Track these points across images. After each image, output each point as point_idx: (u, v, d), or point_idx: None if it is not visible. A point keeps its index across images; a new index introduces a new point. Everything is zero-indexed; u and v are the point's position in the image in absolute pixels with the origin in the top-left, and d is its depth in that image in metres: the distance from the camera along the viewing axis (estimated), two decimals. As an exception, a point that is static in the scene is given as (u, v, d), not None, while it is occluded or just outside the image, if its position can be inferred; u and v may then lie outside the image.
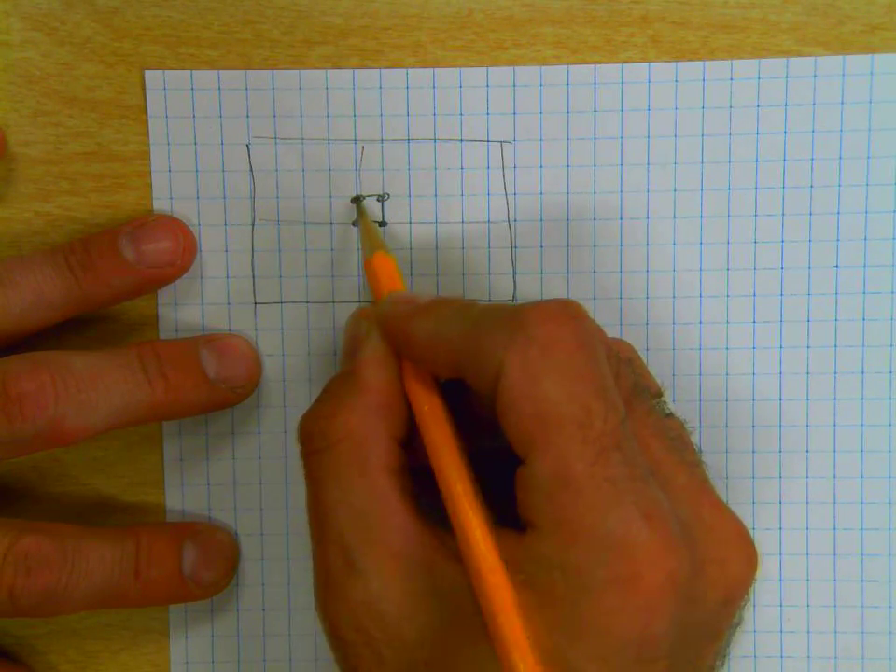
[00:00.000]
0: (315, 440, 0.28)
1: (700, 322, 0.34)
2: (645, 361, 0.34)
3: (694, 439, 0.29)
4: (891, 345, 0.34)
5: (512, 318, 0.27)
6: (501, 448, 0.27)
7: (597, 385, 0.26)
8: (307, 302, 0.34)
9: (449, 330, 0.28)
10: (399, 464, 0.28)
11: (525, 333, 0.26)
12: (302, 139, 0.34)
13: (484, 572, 0.26)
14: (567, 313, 0.27)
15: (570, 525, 0.25)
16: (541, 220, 0.34)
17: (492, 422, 0.27)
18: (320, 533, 0.28)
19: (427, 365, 0.29)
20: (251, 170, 0.34)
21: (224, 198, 0.34)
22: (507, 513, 0.27)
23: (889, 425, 0.34)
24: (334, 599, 0.27)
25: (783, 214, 0.34)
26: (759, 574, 0.28)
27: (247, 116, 0.34)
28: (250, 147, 0.34)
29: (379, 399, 0.29)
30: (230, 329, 0.34)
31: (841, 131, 0.33)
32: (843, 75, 0.33)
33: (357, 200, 0.34)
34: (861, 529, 0.35)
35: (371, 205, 0.34)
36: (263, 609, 0.35)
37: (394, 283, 0.31)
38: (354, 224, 0.34)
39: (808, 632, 0.35)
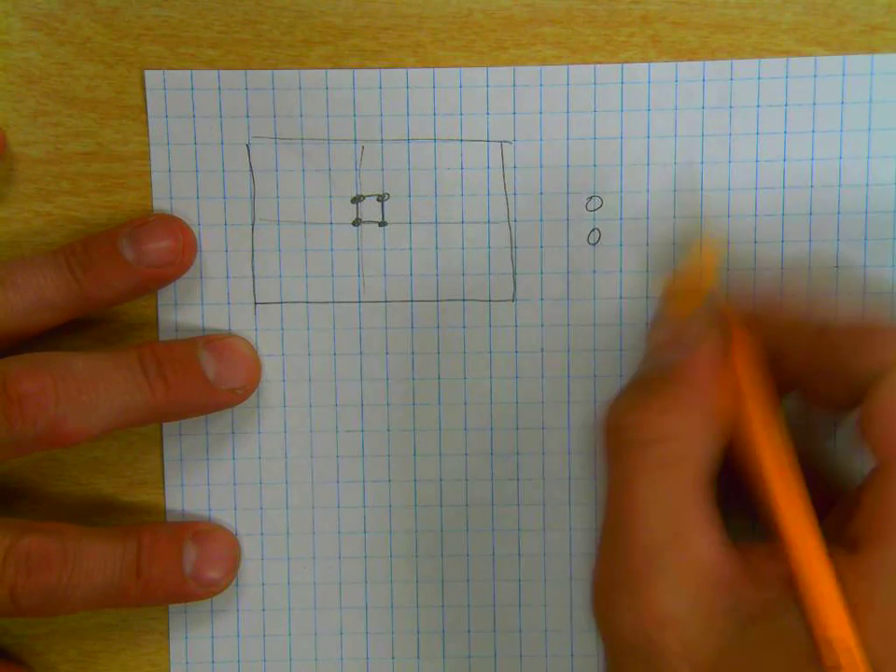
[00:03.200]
0: (635, 430, 0.27)
1: (700, 322, 0.34)
2: (646, 361, 0.34)
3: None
4: (891, 345, 0.34)
5: None
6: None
7: None
8: (307, 302, 0.34)
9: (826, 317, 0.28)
10: (715, 474, 0.28)
11: None
12: (302, 139, 0.34)
13: (821, 605, 0.25)
14: None
15: None
16: (541, 220, 0.34)
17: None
18: (622, 529, 0.27)
19: (780, 355, 0.28)
20: (251, 170, 0.34)
21: (224, 198, 0.34)
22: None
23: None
24: (633, 603, 0.27)
25: (783, 214, 0.34)
26: None
27: (247, 116, 0.34)
28: (250, 146, 0.34)
29: (711, 402, 0.28)
30: (229, 330, 0.34)
31: (841, 131, 0.33)
32: (843, 75, 0.33)
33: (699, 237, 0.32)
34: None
35: (372, 205, 0.34)
36: (263, 610, 0.35)
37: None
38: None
39: None
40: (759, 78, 0.33)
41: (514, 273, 0.34)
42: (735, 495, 0.29)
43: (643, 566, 0.27)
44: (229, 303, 0.34)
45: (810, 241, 0.34)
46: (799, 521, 0.27)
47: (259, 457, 0.35)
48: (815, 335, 0.28)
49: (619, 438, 0.28)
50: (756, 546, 0.28)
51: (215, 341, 0.33)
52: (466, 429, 0.35)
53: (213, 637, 0.35)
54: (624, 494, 0.27)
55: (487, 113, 0.34)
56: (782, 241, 0.34)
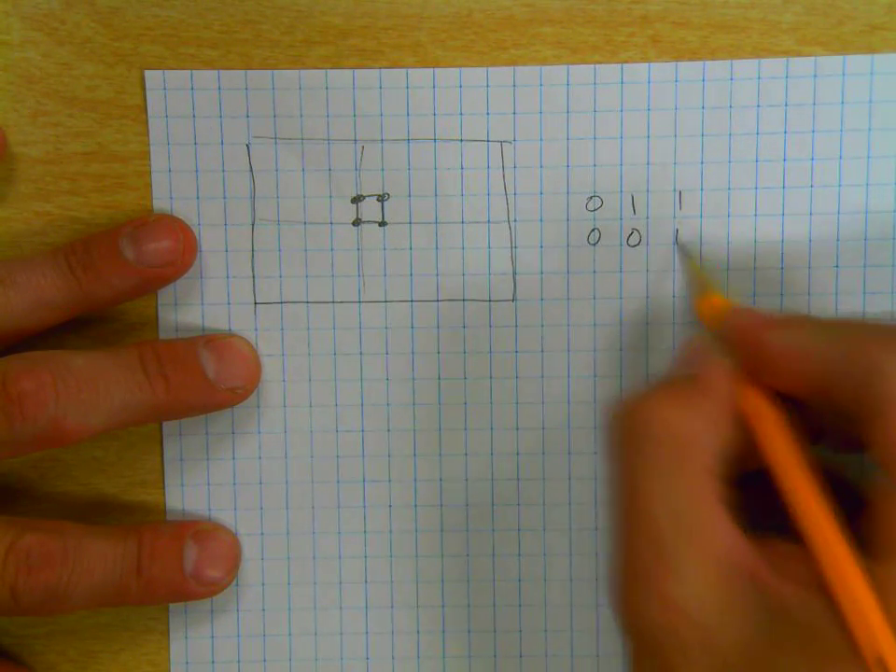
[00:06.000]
0: (640, 427, 0.28)
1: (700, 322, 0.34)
2: (644, 361, 0.34)
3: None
4: (891, 345, 0.34)
5: (893, 331, 0.27)
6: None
7: None
8: (307, 302, 0.34)
9: (813, 341, 0.28)
10: (721, 474, 0.28)
11: None
12: (302, 139, 0.34)
13: (861, 601, 0.25)
14: None
15: None
16: (541, 220, 0.34)
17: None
18: (632, 523, 0.27)
19: (779, 377, 0.28)
20: (251, 170, 0.34)
21: (224, 198, 0.34)
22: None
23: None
24: (643, 593, 0.27)
25: (783, 214, 0.34)
26: None
27: (247, 116, 0.34)
28: (250, 146, 0.34)
29: (718, 407, 0.28)
30: (230, 329, 0.34)
31: (841, 131, 0.33)
32: (843, 75, 0.33)
33: (678, 242, 0.33)
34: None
35: (372, 205, 0.34)
36: (263, 610, 0.35)
37: None
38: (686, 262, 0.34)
39: None
40: (759, 78, 0.33)
41: (514, 273, 0.34)
42: (763, 499, 0.29)
43: (655, 560, 0.27)
44: (229, 303, 0.34)
45: (810, 241, 0.34)
46: (825, 525, 0.27)
47: (259, 457, 0.35)
48: (835, 334, 0.28)
49: (630, 433, 0.28)
50: (778, 544, 0.28)
51: (215, 340, 0.33)
52: (466, 429, 0.35)
53: (213, 637, 0.35)
54: (635, 489, 0.28)
55: (487, 113, 0.34)
56: (782, 241, 0.34)
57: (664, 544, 0.27)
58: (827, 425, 0.30)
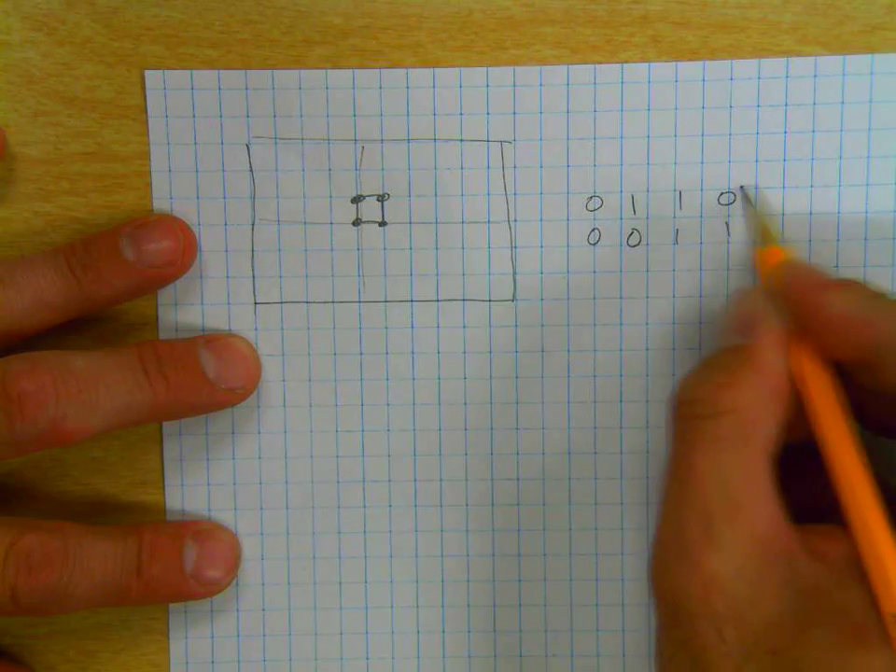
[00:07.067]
0: (699, 405, 0.28)
1: (700, 322, 0.34)
2: (644, 361, 0.34)
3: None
4: (891, 345, 0.34)
5: None
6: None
7: None
8: (307, 302, 0.34)
9: (871, 310, 0.28)
10: (775, 450, 0.28)
11: None
12: (302, 139, 0.34)
13: (888, 563, 0.26)
14: None
15: None
16: (541, 220, 0.34)
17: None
18: (681, 497, 0.28)
19: (831, 340, 0.28)
20: (251, 170, 0.34)
21: (224, 198, 0.34)
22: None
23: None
24: (684, 566, 0.27)
25: (783, 214, 0.34)
26: None
27: (247, 116, 0.34)
28: (250, 146, 0.34)
29: (774, 381, 0.29)
30: (230, 329, 0.34)
31: (841, 131, 0.33)
32: (843, 75, 0.33)
33: (742, 188, 0.33)
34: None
35: (372, 205, 0.34)
36: (263, 609, 0.35)
37: None
38: (748, 209, 0.33)
39: None
40: (759, 78, 0.33)
41: (514, 273, 0.34)
42: (803, 477, 0.30)
43: (698, 533, 0.27)
44: (229, 303, 0.34)
45: (810, 241, 0.34)
46: (867, 500, 0.27)
47: (259, 457, 0.35)
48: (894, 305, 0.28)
49: (682, 411, 0.29)
50: (816, 526, 0.28)
51: (215, 340, 0.33)
52: (466, 429, 0.35)
53: (213, 637, 0.35)
54: (684, 464, 0.28)
55: (487, 113, 0.34)
56: (782, 241, 0.34)
57: (710, 518, 0.27)
58: (867, 403, 0.30)
